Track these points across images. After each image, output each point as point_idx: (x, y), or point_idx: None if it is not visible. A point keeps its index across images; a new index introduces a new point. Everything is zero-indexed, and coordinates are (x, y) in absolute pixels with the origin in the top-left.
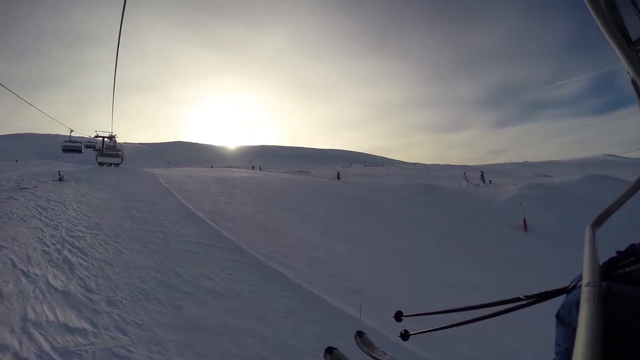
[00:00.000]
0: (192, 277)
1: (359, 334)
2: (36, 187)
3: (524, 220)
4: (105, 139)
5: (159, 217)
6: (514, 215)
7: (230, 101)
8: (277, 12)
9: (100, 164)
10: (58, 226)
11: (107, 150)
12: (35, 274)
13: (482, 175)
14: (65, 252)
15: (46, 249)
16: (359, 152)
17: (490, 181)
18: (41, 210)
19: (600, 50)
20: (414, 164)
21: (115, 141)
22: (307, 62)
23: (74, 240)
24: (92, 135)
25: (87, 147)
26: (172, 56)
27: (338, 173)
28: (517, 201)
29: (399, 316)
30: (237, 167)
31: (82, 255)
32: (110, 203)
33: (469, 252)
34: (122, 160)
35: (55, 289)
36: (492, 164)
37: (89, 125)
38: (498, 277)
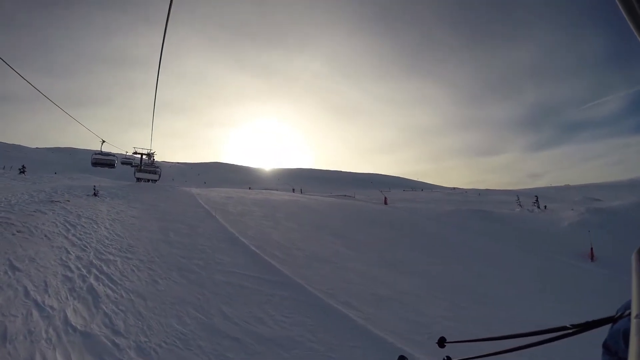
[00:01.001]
0: (241, 319)
1: (402, 358)
2: (68, 201)
3: (591, 249)
4: (144, 156)
5: (199, 242)
6: (576, 243)
7: (266, 124)
8: (314, 37)
9: (138, 179)
10: (86, 247)
11: (145, 167)
12: (51, 307)
13: (536, 200)
14: (91, 280)
15: (69, 274)
16: (396, 177)
17: (545, 207)
18: (69, 227)
19: (638, 65)
20: (453, 188)
21: (154, 158)
22: (342, 86)
23: (102, 265)
24: (130, 152)
25: (123, 163)
26: (212, 79)
27: (385, 198)
28: (578, 228)
29: (442, 342)
30: (277, 190)
31: (110, 284)
32: (146, 223)
33: (536, 286)
34: (159, 177)
35: (74, 329)
36: (531, 188)
37: (130, 142)
38: (575, 313)
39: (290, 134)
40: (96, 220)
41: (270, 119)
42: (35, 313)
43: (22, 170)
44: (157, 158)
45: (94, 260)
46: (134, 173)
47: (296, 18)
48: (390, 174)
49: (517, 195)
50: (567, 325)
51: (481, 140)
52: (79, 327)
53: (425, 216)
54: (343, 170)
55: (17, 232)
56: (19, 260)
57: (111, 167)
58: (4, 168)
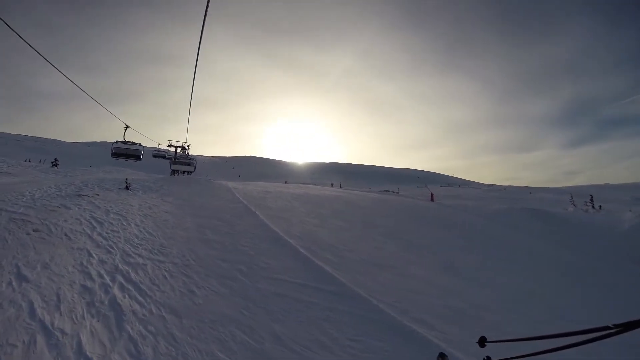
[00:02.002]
0: (298, 343)
1: (442, 355)
2: (97, 194)
3: None
4: (178, 149)
5: (240, 242)
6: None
7: (299, 119)
8: (346, 33)
9: (174, 171)
10: (112, 248)
11: (180, 159)
12: (62, 331)
13: (591, 199)
14: (115, 290)
15: (89, 283)
16: (431, 172)
17: (600, 207)
18: (95, 225)
19: None
20: (490, 185)
21: (189, 151)
22: (374, 81)
23: (129, 271)
24: (164, 145)
25: (155, 156)
26: (244, 76)
27: (432, 194)
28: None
29: (482, 342)
30: (314, 184)
31: (138, 296)
32: (181, 219)
33: (609, 298)
34: (194, 168)
35: None
36: (571, 186)
37: (164, 137)
38: None
39: (322, 129)
40: (126, 217)
41: (302, 114)
42: (40, 340)
43: (55, 163)
44: (191, 152)
45: (120, 265)
46: (170, 165)
47: (328, 14)
48: (426, 170)
49: (570, 194)
50: (609, 325)
51: (516, 137)
52: (95, 358)
53: (476, 214)
54: (377, 165)
55: (33, 231)
56: (30, 266)
57: (136, 159)
58: (39, 161)
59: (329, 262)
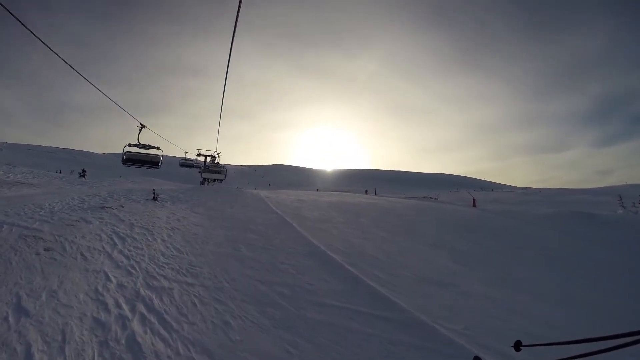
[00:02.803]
0: None
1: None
2: (122, 206)
3: None
4: (208, 157)
5: (278, 258)
6: None
7: (327, 126)
8: (371, 39)
9: (204, 179)
10: (134, 269)
11: (210, 167)
12: None
13: None
14: (135, 324)
15: (103, 316)
16: (462, 176)
17: None
18: (117, 241)
19: None
20: (524, 188)
21: (219, 160)
22: (400, 85)
23: (153, 297)
24: (191, 154)
25: (182, 165)
26: (271, 84)
27: (474, 200)
28: None
29: (518, 346)
30: (348, 191)
31: (162, 330)
32: (212, 233)
33: None
34: (225, 176)
35: None
36: (605, 187)
37: (192, 147)
38: None
39: (349, 135)
40: (152, 231)
41: (329, 121)
42: None
43: (83, 174)
44: (220, 161)
45: (142, 290)
46: (200, 174)
47: (351, 21)
48: (455, 174)
49: (619, 195)
50: None
51: (545, 137)
52: None
53: (522, 220)
54: (406, 170)
55: (45, 250)
56: (33, 296)
57: (154, 167)
58: (71, 173)
59: (380, 281)
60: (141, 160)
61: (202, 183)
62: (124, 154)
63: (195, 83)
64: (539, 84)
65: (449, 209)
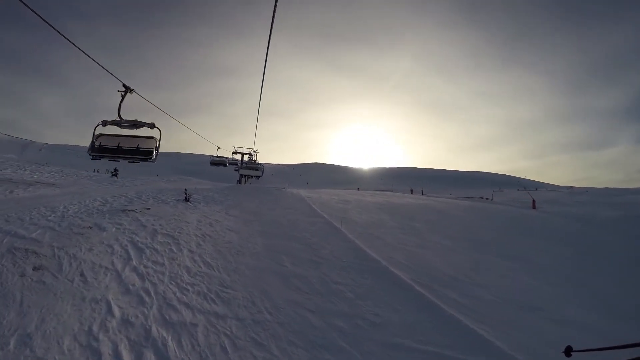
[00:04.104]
0: None
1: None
2: (148, 208)
3: None
4: (245, 155)
5: (330, 276)
6: None
7: (362, 124)
8: (403, 35)
9: (241, 177)
10: (148, 294)
11: (247, 164)
12: None
13: None
14: None
15: None
16: (503, 174)
17: None
18: (132, 254)
19: None
20: (570, 187)
21: (256, 157)
22: (434, 82)
23: (168, 339)
24: (225, 151)
25: (213, 164)
26: (306, 83)
27: (534, 201)
28: None
29: (568, 351)
30: (391, 191)
31: None
32: (248, 240)
33: None
34: (262, 173)
35: None
36: None
37: (230, 144)
38: None
39: (386, 133)
40: (178, 239)
41: (365, 119)
42: None
43: (115, 173)
44: (257, 158)
45: (154, 328)
46: (238, 171)
47: (383, 18)
48: (494, 172)
49: None
50: None
51: (586, 133)
52: None
53: (593, 225)
54: (445, 168)
55: (34, 269)
56: None
57: (145, 159)
58: (106, 172)
59: (459, 307)
60: (122, 150)
61: (239, 182)
62: (94, 138)
63: (231, 84)
64: (578, 77)
65: (508, 211)
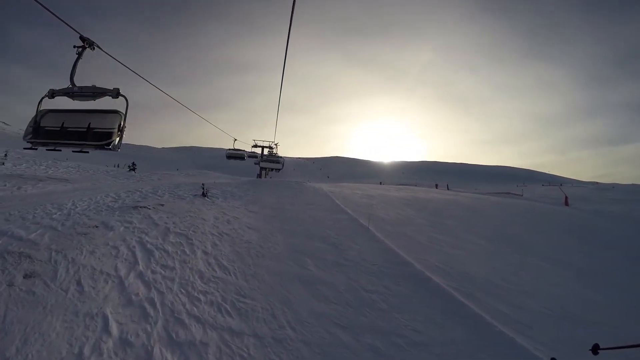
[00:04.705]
0: None
1: None
2: (162, 205)
3: None
4: (265, 149)
5: (360, 282)
6: None
7: (382, 118)
8: (422, 28)
9: (262, 169)
10: (153, 305)
11: (268, 157)
12: None
13: None
14: None
15: None
16: (526, 169)
17: None
18: (140, 257)
19: None
20: (595, 183)
21: (277, 150)
22: (456, 75)
23: None
24: (244, 144)
25: (229, 157)
26: (327, 78)
27: (566, 198)
28: None
29: (595, 349)
30: (415, 185)
31: None
32: (269, 240)
33: None
34: (282, 166)
35: None
36: None
37: (250, 138)
38: None
39: (406, 126)
40: (192, 239)
41: (385, 112)
42: None
43: (132, 168)
44: (277, 151)
45: (157, 349)
46: (259, 164)
47: (402, 10)
48: (516, 166)
49: None
50: None
51: (607, 128)
52: None
53: (633, 224)
54: (467, 162)
55: (25, 276)
56: None
57: (100, 147)
58: (123, 166)
59: (509, 321)
60: (66, 132)
61: (259, 176)
62: (37, 116)
63: (250, 79)
64: (601, 70)
65: (541, 208)
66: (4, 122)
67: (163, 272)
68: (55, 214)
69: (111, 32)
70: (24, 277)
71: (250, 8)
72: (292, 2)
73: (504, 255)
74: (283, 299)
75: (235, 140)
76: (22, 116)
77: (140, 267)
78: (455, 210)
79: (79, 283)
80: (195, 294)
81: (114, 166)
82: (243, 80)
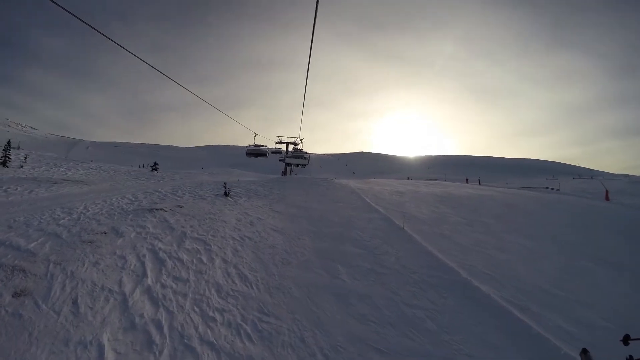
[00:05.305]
0: None
1: (584, 351)
2: (181, 206)
3: None
4: (290, 145)
5: (401, 294)
6: None
7: (404, 111)
8: (443, 19)
9: (287, 166)
10: (160, 329)
11: (293, 153)
12: None
13: None
14: None
15: None
16: (554, 162)
17: None
18: (149, 268)
19: None
20: (626, 175)
21: (302, 146)
22: (479, 66)
23: None
24: (267, 140)
25: (250, 154)
26: (349, 73)
27: (607, 192)
28: None
29: (627, 339)
30: (445, 180)
31: None
32: (296, 243)
33: None
34: (308, 161)
35: None
36: None
37: (274, 133)
38: None
39: (430, 120)
40: (210, 244)
41: (408, 106)
42: None
43: (155, 167)
44: (303, 147)
45: None
46: (284, 160)
47: (421, 2)
48: (545, 159)
49: None
50: None
51: (638, 117)
52: None
53: None
54: (493, 155)
55: (14, 295)
56: None
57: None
58: (147, 166)
59: (573, 340)
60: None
61: (284, 173)
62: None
63: (274, 76)
64: (630, 59)
65: (581, 203)
66: (31, 127)
67: (175, 285)
68: (64, 219)
69: (139, 35)
70: (12, 296)
71: (272, 5)
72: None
73: (551, 257)
74: (313, 317)
75: (256, 135)
76: (48, 120)
77: (149, 281)
78: (493, 207)
79: (74, 302)
80: (211, 313)
81: (139, 166)
82: (267, 78)
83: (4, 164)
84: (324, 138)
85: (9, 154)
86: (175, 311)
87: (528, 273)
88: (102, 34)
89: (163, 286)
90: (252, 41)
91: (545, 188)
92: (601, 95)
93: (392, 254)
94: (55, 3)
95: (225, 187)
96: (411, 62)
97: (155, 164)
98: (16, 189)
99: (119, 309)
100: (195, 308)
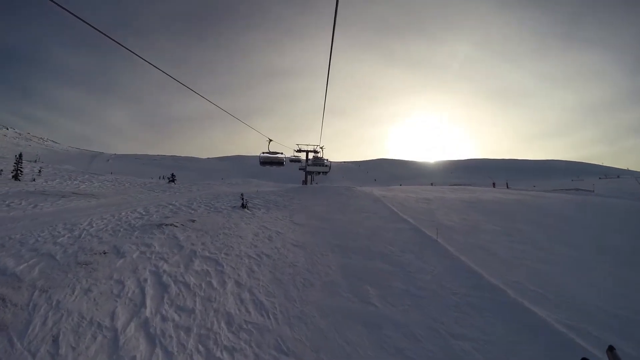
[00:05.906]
0: None
1: (610, 348)
2: (193, 220)
3: None
4: (310, 153)
5: (443, 321)
6: None
7: (422, 116)
8: (457, 21)
9: (307, 175)
10: None
11: (314, 160)
12: None
13: None
14: None
15: None
16: (578, 162)
17: None
18: (149, 295)
19: None
20: None
21: (322, 153)
22: (497, 67)
23: None
24: (285, 149)
25: (264, 163)
26: (366, 79)
27: None
28: None
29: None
30: (471, 185)
31: None
32: (319, 262)
33: None
34: (329, 169)
35: None
36: None
37: (293, 142)
38: None
39: (449, 124)
40: (223, 264)
41: (427, 111)
42: None
43: (172, 179)
44: (323, 155)
45: None
46: (305, 168)
47: (435, 4)
48: (569, 159)
49: None
50: None
51: None
52: None
53: None
54: (517, 158)
55: None
56: None
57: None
58: (163, 178)
59: None
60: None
61: (304, 182)
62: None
63: (292, 85)
64: None
65: (622, 206)
66: (53, 141)
67: (177, 317)
68: (63, 236)
69: (156, 48)
70: None
71: (287, 14)
72: (334, 7)
73: (604, 270)
74: (342, 354)
75: (270, 141)
76: (73, 135)
77: (147, 312)
78: (528, 213)
79: (55, 340)
80: (218, 354)
81: (159, 178)
82: (285, 86)
83: (16, 177)
84: (342, 145)
85: (21, 167)
86: (176, 351)
87: (580, 289)
88: (126, 48)
89: (163, 319)
90: (270, 49)
91: (578, 190)
92: (622, 91)
93: (427, 270)
94: (84, 21)
95: (242, 199)
96: (428, 66)
97: (173, 175)
98: (20, 203)
99: (108, 349)
100: (200, 347)
